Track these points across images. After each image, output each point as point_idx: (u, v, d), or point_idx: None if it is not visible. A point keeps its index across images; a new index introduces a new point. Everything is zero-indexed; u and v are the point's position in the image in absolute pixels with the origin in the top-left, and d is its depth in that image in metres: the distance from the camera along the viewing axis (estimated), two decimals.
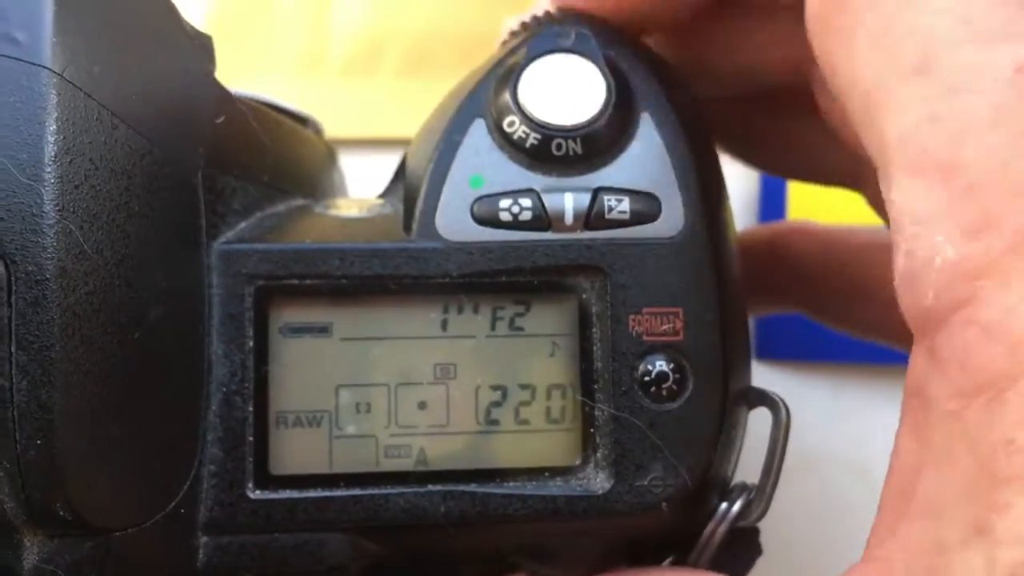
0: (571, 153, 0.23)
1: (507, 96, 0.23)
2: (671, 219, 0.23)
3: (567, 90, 0.23)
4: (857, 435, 0.40)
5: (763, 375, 0.39)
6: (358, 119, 0.42)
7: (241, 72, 0.41)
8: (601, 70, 0.23)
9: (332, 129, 0.41)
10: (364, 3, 0.42)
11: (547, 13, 0.25)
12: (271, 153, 0.25)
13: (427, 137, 0.24)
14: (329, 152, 0.31)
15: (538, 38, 0.24)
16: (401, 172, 0.25)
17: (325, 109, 0.42)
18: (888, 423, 0.39)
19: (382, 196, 0.26)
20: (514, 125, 0.23)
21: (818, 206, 0.39)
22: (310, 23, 0.42)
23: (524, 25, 0.25)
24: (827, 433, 0.40)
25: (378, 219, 0.24)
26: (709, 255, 0.23)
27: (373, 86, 0.42)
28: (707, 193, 0.23)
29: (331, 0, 0.42)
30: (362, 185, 0.33)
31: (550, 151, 0.23)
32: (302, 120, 0.30)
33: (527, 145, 0.23)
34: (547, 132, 0.23)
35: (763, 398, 0.23)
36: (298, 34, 0.42)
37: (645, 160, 0.23)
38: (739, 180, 0.40)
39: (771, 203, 0.40)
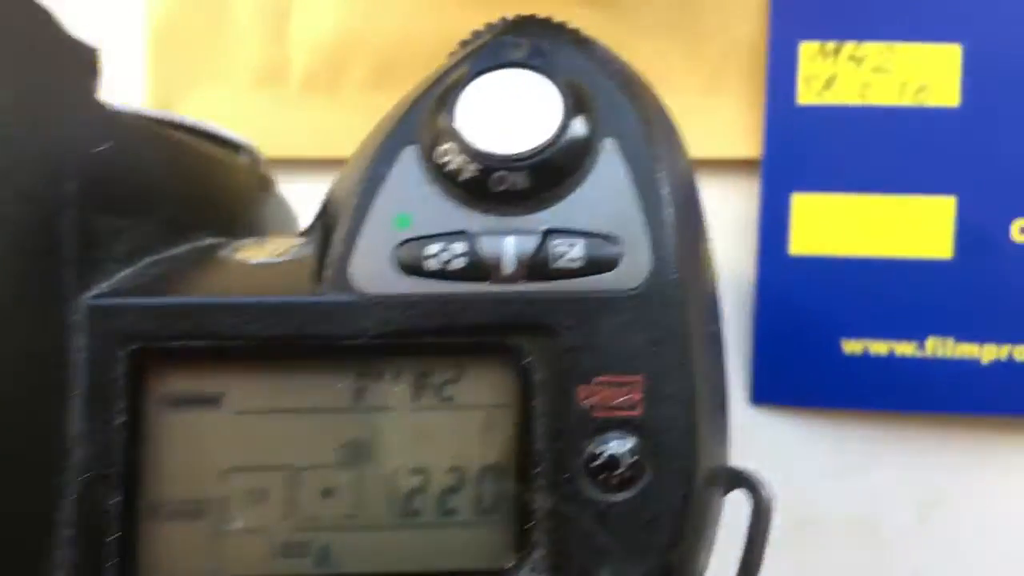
0: (515, 188, 0.19)
1: (444, 119, 0.19)
2: (634, 266, 0.19)
3: (515, 112, 0.20)
4: (865, 489, 0.36)
5: (761, 422, 0.36)
6: (320, 137, 0.38)
7: (190, 87, 0.37)
8: (558, 87, 0.20)
9: (292, 148, 0.38)
10: (327, 10, 0.38)
11: (504, 20, 0.22)
12: (176, 185, 0.21)
13: (353, 167, 0.21)
14: (261, 181, 0.27)
15: (485, 50, 0.20)
16: (324, 208, 0.22)
17: (284, 126, 0.39)
18: (898, 476, 0.36)
19: (304, 234, 0.22)
20: (449, 154, 0.19)
21: (822, 234, 0.35)
22: (267, 32, 0.38)
23: (476, 34, 0.22)
24: (831, 487, 0.36)
25: (289, 266, 0.20)
26: (679, 310, 0.19)
27: (337, 101, 0.39)
28: (680, 232, 0.20)
29: (291, 7, 0.38)
30: None
31: (489, 185, 0.19)
32: (233, 146, 0.26)
33: (463, 178, 0.19)
34: (487, 162, 0.19)
35: (740, 479, 0.20)
36: (254, 44, 0.38)
37: (605, 195, 0.19)
38: (735, 202, 0.36)
39: (772, 229, 0.36)
